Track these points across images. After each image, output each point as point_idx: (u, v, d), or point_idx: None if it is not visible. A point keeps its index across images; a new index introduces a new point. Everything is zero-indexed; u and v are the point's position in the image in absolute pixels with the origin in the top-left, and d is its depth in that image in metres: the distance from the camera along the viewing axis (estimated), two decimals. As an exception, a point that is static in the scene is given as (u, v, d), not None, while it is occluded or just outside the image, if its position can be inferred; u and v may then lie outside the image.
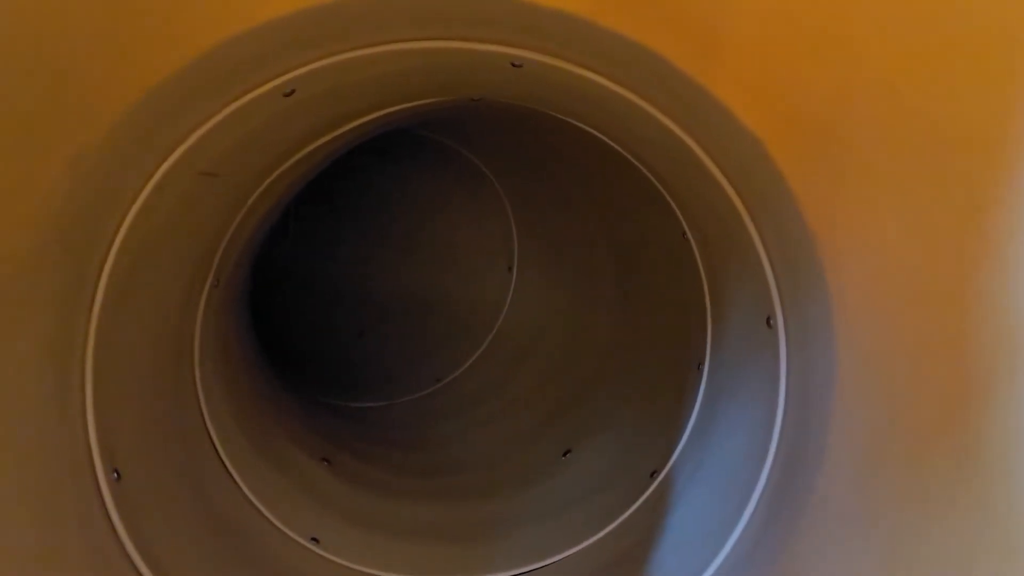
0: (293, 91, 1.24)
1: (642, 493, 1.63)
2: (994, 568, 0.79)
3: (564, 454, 2.04)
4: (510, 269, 2.98)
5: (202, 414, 1.57)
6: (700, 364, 1.64)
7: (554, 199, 2.67)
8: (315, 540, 1.61)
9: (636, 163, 1.61)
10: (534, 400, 2.40)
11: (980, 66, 0.78)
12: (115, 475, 1.14)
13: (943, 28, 0.79)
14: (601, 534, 1.62)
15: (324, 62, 1.21)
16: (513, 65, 1.28)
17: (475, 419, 2.43)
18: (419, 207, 3.21)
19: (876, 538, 0.97)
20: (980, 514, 0.81)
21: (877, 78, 0.87)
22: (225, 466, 1.58)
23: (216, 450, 1.58)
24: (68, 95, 0.92)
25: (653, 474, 1.64)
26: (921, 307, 0.92)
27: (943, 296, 0.88)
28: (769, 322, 1.29)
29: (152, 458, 1.31)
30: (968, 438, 0.83)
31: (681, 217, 1.62)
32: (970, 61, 0.79)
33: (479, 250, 3.10)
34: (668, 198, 1.62)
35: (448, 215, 3.18)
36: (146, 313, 1.33)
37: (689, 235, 1.62)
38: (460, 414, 2.50)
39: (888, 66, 0.85)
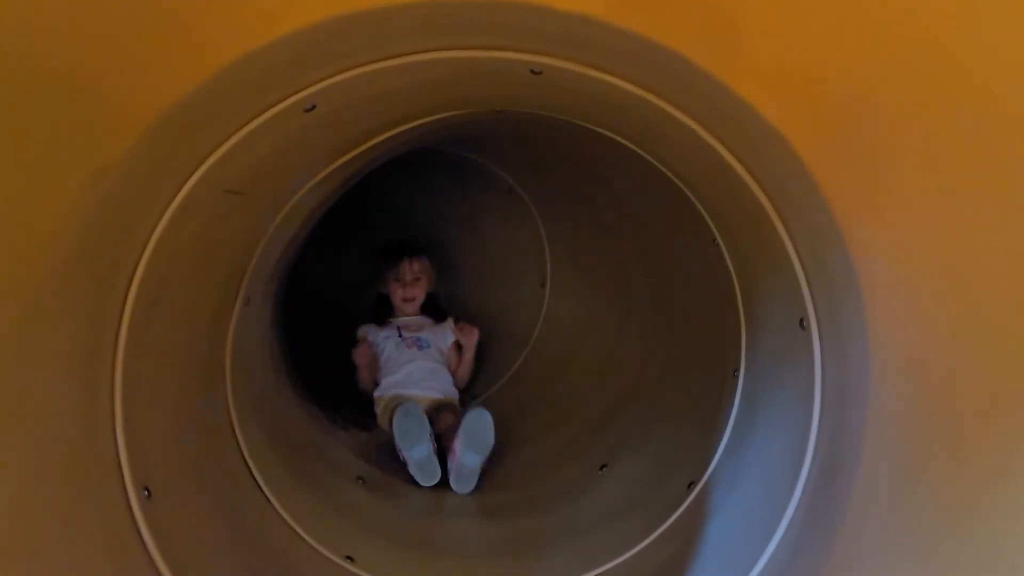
0: (314, 106, 1.25)
1: (679, 505, 1.60)
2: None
3: (601, 468, 2.02)
4: (543, 284, 2.97)
5: (235, 432, 1.57)
6: (736, 370, 1.61)
7: (584, 211, 2.66)
8: (350, 558, 1.60)
9: (662, 168, 1.60)
10: (570, 415, 2.38)
11: (1008, 42, 0.75)
12: (145, 492, 1.15)
13: (967, 4, 0.77)
14: (638, 547, 1.59)
15: (343, 76, 1.22)
16: (532, 72, 1.27)
17: (510, 437, 2.41)
18: (451, 225, 3.22)
19: (917, 542, 0.93)
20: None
21: (899, 63, 0.85)
22: (258, 484, 1.59)
23: (249, 468, 1.58)
24: (88, 112, 0.93)
25: (690, 485, 1.61)
26: (954, 297, 0.89)
27: (976, 284, 0.85)
28: (802, 323, 1.26)
29: (183, 476, 1.32)
30: (1009, 431, 0.80)
31: (710, 222, 1.60)
32: (996, 37, 0.76)
33: (512, 266, 3.10)
34: (696, 202, 1.60)
35: (480, 232, 3.19)
36: (175, 331, 1.34)
37: (719, 240, 1.60)
38: (495, 432, 2.48)
39: (910, 49, 0.83)
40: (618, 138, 1.60)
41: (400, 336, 2.62)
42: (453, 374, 2.63)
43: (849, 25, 0.87)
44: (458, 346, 2.68)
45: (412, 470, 2.07)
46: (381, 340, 2.62)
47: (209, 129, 1.15)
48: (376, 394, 2.52)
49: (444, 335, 2.67)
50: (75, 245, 0.98)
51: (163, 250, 1.18)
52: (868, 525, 1.04)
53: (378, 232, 3.20)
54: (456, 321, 2.72)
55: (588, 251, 2.75)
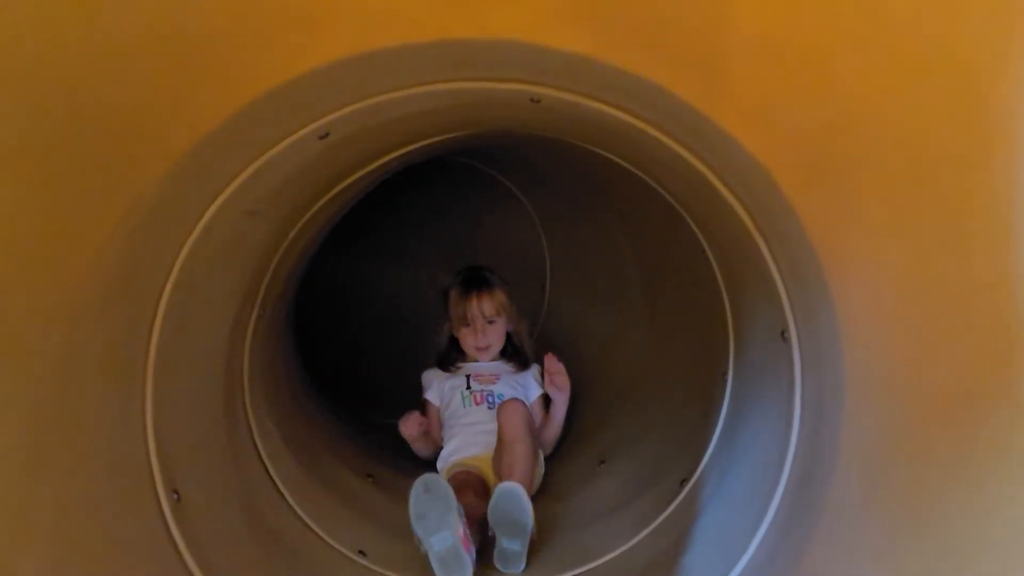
0: (328, 134, 1.33)
1: (672, 500, 1.68)
2: (998, 550, 0.85)
3: (599, 464, 2.10)
4: (543, 287, 3.05)
5: (253, 436, 1.66)
6: (725, 373, 1.70)
7: (583, 218, 2.74)
8: (362, 553, 1.68)
9: (655, 186, 1.68)
10: (569, 414, 2.45)
11: (955, 89, 0.85)
12: (175, 496, 1.23)
13: (920, 57, 0.86)
14: (634, 541, 1.66)
15: (356, 106, 1.30)
16: (532, 101, 1.35)
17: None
18: (453, 229, 3.28)
19: (886, 537, 1.03)
20: (980, 501, 0.87)
21: (863, 106, 0.94)
22: (276, 485, 1.67)
23: (267, 470, 1.67)
24: (126, 147, 1.02)
25: (683, 482, 1.70)
26: (915, 312, 0.99)
27: (934, 300, 0.95)
28: (784, 335, 1.34)
29: (209, 479, 1.40)
30: (963, 434, 0.90)
31: (700, 236, 1.68)
32: (945, 84, 0.85)
33: (514, 269, 3.17)
34: (687, 218, 1.68)
35: (482, 236, 3.25)
36: (199, 343, 1.43)
37: (709, 253, 1.68)
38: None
39: (871, 95, 0.92)
40: (614, 157, 1.68)
41: (468, 387, 2.13)
42: (536, 436, 2.01)
43: (818, 71, 0.96)
44: (544, 399, 2.15)
45: (433, 563, 1.52)
46: (447, 390, 2.15)
47: (232, 158, 1.24)
48: (438, 466, 2.10)
49: (526, 387, 2.16)
50: (112, 269, 1.07)
51: (188, 269, 1.26)
52: (843, 518, 1.13)
53: (385, 236, 3.27)
54: (542, 368, 2.12)
55: (586, 256, 2.83)
